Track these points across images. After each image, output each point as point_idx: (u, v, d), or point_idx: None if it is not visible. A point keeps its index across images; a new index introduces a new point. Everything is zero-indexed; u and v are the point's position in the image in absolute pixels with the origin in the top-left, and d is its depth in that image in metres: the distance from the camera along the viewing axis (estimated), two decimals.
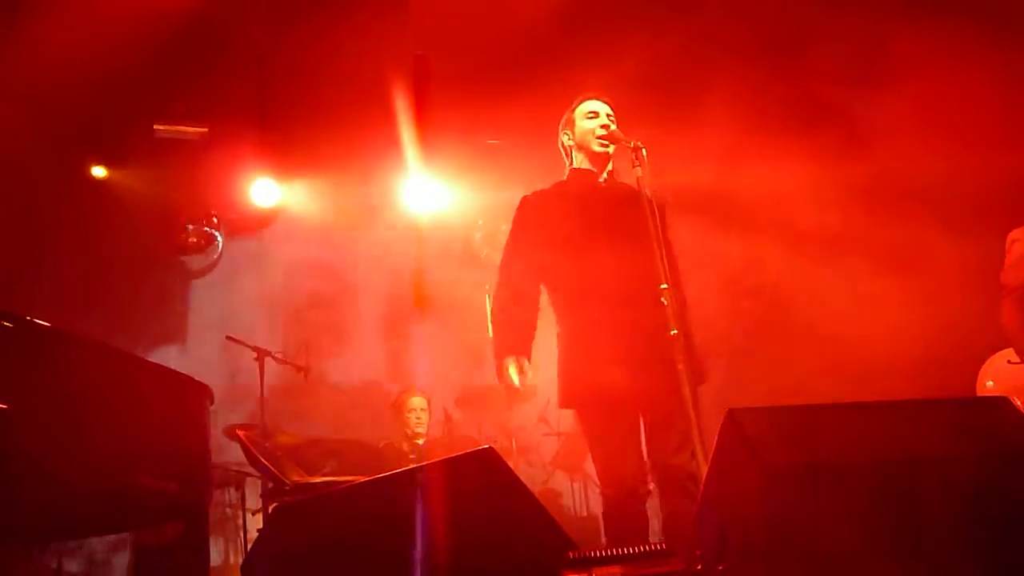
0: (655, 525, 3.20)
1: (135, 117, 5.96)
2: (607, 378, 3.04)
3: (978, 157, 4.56)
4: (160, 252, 6.76)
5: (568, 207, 3.30)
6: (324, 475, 4.42)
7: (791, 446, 1.82)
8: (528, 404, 5.43)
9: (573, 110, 3.44)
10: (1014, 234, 3.98)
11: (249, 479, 5.33)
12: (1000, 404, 2.02)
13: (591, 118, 3.36)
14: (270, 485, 4.47)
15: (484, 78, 5.43)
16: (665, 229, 3.08)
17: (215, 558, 5.70)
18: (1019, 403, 3.73)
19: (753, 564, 1.78)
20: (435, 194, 6.71)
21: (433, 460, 2.28)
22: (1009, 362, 4.08)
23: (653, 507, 3.16)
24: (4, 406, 2.18)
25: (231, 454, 5.30)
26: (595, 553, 2.10)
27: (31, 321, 2.34)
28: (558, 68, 4.86)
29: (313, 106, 5.84)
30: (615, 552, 2.11)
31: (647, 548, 2.14)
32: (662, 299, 2.85)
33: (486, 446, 2.29)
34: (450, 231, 6.98)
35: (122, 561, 4.90)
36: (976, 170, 4.55)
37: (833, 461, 1.81)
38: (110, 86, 5.25)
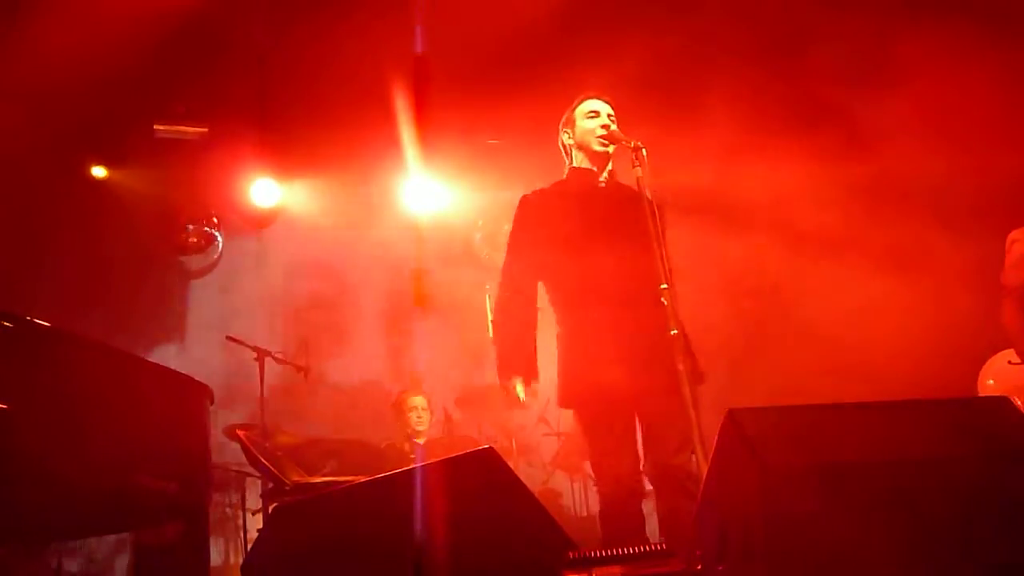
0: (651, 525, 3.21)
1: (135, 117, 5.96)
2: (606, 378, 3.04)
3: (978, 157, 4.56)
4: (160, 252, 6.76)
5: (568, 206, 3.30)
6: (324, 475, 4.42)
7: (791, 446, 1.82)
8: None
9: (573, 109, 3.44)
10: (1014, 234, 3.98)
11: (249, 479, 5.33)
12: (1000, 404, 2.02)
13: (592, 118, 3.36)
14: (270, 485, 4.47)
15: (484, 78, 5.43)
16: (664, 229, 3.08)
17: (215, 558, 5.70)
18: (1020, 403, 3.74)
19: (753, 564, 1.78)
20: (435, 194, 6.71)
21: (433, 460, 2.28)
22: (1010, 362, 4.08)
23: (649, 507, 3.17)
24: (4, 406, 2.18)
25: (231, 454, 5.30)
26: (595, 553, 2.10)
27: (31, 321, 2.34)
28: (558, 68, 4.86)
29: (313, 106, 5.84)
30: (615, 552, 2.11)
31: (647, 548, 2.14)
32: (662, 299, 2.85)
33: (486, 446, 2.29)
34: (450, 231, 6.98)
35: (123, 561, 4.91)
36: (976, 170, 4.56)
37: (833, 461, 1.81)
38: (110, 86, 5.25)
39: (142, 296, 6.49)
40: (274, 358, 5.27)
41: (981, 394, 4.19)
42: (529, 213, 3.39)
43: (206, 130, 6.09)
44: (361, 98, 5.57)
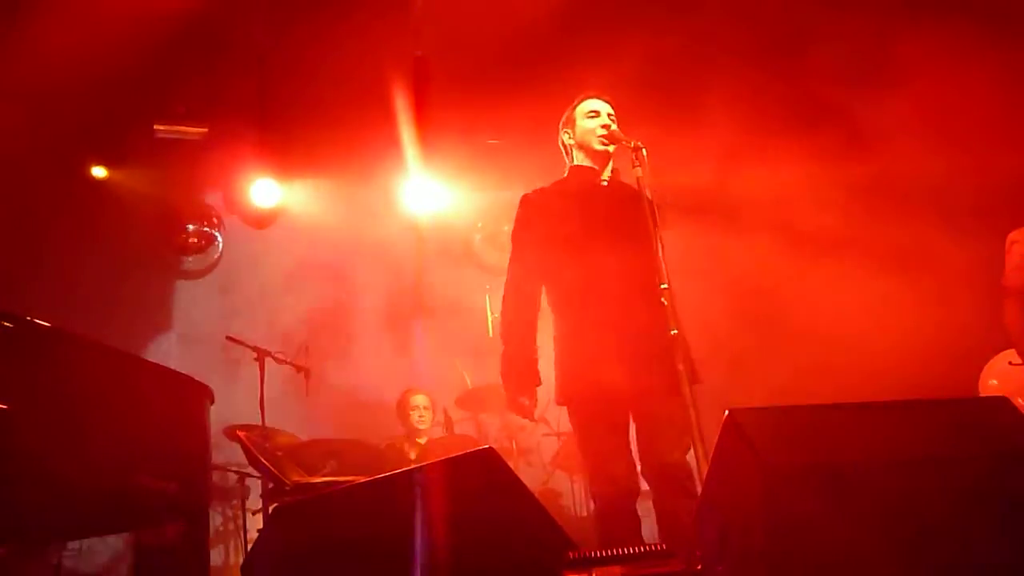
0: (649, 525, 3.20)
1: (135, 117, 5.96)
2: (603, 377, 3.04)
3: (979, 157, 4.56)
4: (160, 252, 6.76)
5: (568, 205, 3.31)
6: (324, 475, 4.42)
7: (792, 446, 1.82)
8: None
9: (574, 109, 3.44)
10: (1013, 235, 3.98)
11: (249, 479, 5.33)
12: (1000, 404, 2.02)
13: (592, 117, 3.37)
14: (270, 485, 4.47)
15: (484, 78, 5.43)
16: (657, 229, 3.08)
17: (215, 558, 5.70)
18: (1022, 403, 3.74)
19: (753, 565, 1.78)
20: (435, 194, 6.71)
21: (433, 460, 2.27)
22: (1011, 363, 4.08)
23: (647, 507, 3.17)
24: (4, 406, 2.18)
25: (231, 454, 5.30)
26: (595, 553, 2.10)
27: (31, 321, 2.34)
28: (558, 68, 4.86)
29: (313, 106, 5.84)
30: (615, 552, 2.11)
31: (647, 548, 2.14)
32: (662, 299, 2.85)
33: (486, 446, 2.29)
34: (450, 231, 6.98)
35: (123, 562, 4.90)
36: (977, 170, 4.55)
37: (834, 461, 1.81)
38: (110, 86, 5.25)
39: (142, 296, 6.49)
40: (274, 358, 5.27)
41: (983, 395, 4.19)
42: (530, 212, 3.39)
43: (206, 130, 6.09)
44: (361, 98, 5.56)
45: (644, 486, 3.14)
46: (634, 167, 3.03)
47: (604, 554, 2.09)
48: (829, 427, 1.90)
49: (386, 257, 6.86)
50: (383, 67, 5.33)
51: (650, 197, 3.01)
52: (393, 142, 5.84)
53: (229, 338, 5.35)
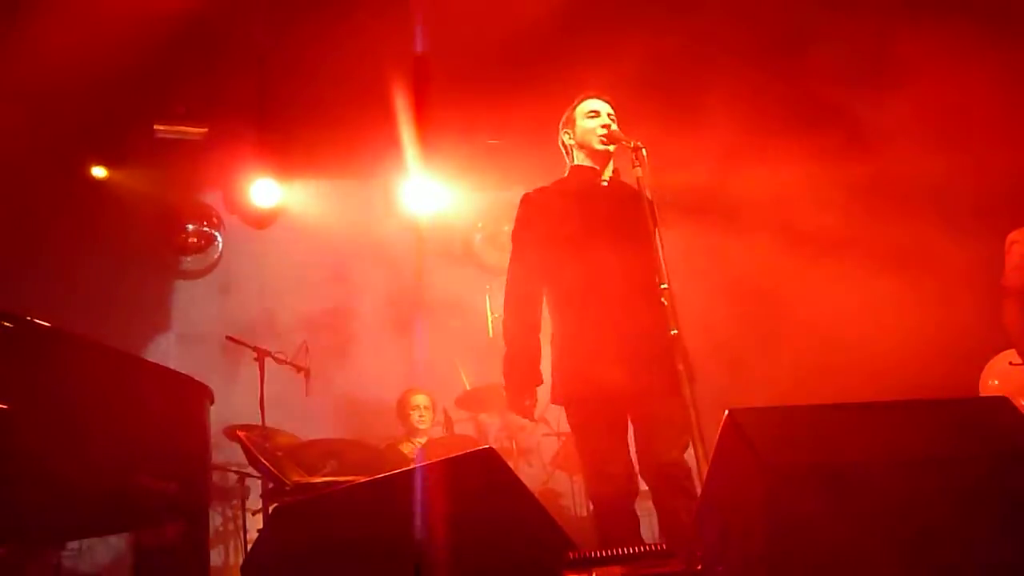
0: (647, 525, 3.21)
1: (135, 117, 5.96)
2: (601, 376, 3.04)
3: (979, 157, 4.56)
4: (160, 252, 6.76)
5: (568, 205, 3.31)
6: (324, 475, 4.42)
7: (792, 447, 1.82)
8: None
9: (574, 109, 3.45)
10: (1013, 235, 3.98)
11: (249, 479, 5.33)
12: (1000, 404, 2.02)
13: (592, 117, 3.37)
14: (270, 485, 4.46)
15: (484, 78, 5.43)
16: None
17: (215, 558, 5.70)
18: (1022, 403, 3.73)
19: (753, 565, 1.78)
20: (435, 194, 6.71)
21: (433, 460, 2.27)
22: (1011, 363, 4.08)
23: (643, 507, 3.17)
24: (4, 406, 2.18)
25: (231, 455, 5.30)
26: (595, 553, 2.10)
27: (31, 321, 2.34)
28: (558, 68, 4.86)
29: (313, 106, 5.84)
30: (615, 552, 2.10)
31: (647, 548, 2.14)
32: (662, 299, 2.85)
33: (486, 446, 2.29)
34: (450, 231, 6.98)
35: (123, 562, 4.90)
36: (977, 170, 4.55)
37: (834, 462, 1.81)
38: (110, 86, 5.25)
39: (142, 296, 6.49)
40: (274, 358, 5.26)
41: (983, 395, 4.19)
42: (531, 211, 3.40)
43: (206, 130, 6.09)
44: (361, 98, 5.56)
45: (643, 486, 3.14)
46: (634, 167, 3.03)
47: (604, 554, 2.09)
48: (829, 427, 1.90)
49: (386, 257, 6.86)
50: (383, 67, 5.33)
51: (650, 197, 3.00)
52: (393, 142, 5.84)
53: (229, 338, 5.35)
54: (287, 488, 4.15)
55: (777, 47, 5.21)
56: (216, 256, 6.88)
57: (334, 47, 5.11)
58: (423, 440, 5.48)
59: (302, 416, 5.70)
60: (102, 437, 2.41)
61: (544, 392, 3.31)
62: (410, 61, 5.29)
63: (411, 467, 2.45)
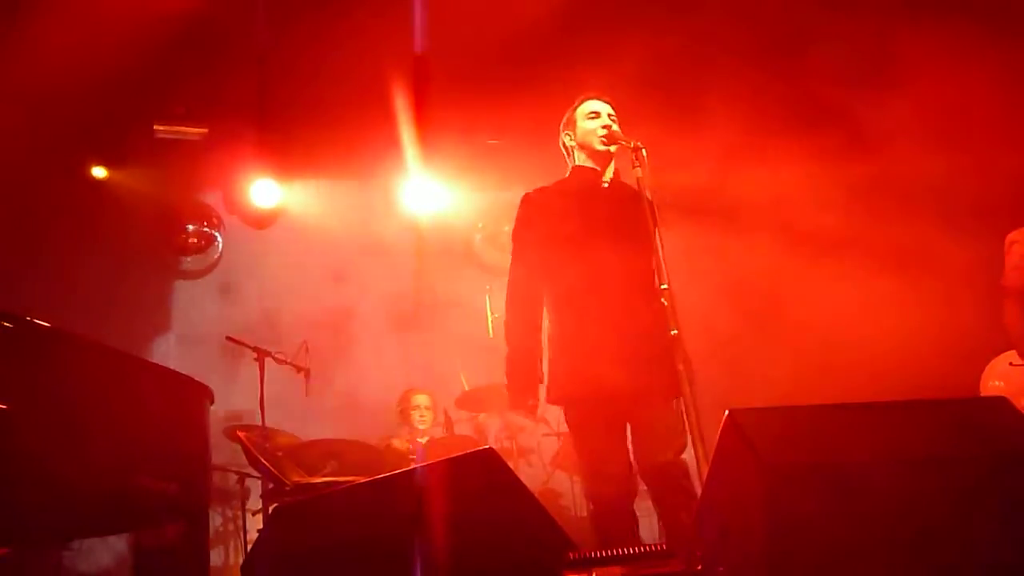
0: (646, 525, 3.20)
1: (135, 117, 5.96)
2: (599, 376, 3.04)
3: (979, 157, 4.56)
4: (160, 252, 6.76)
5: (568, 205, 3.31)
6: (324, 476, 4.42)
7: (792, 447, 1.82)
8: None
9: (574, 110, 3.45)
10: (1012, 236, 3.98)
11: (249, 480, 5.33)
12: (1000, 404, 2.02)
13: (592, 118, 3.37)
14: (270, 486, 4.47)
15: (484, 78, 5.43)
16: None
17: (215, 559, 5.70)
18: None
19: (753, 565, 1.78)
20: (435, 194, 6.71)
21: (433, 461, 2.27)
22: (1012, 364, 4.07)
23: (642, 507, 3.16)
24: (4, 406, 2.18)
25: (231, 455, 5.30)
26: (595, 553, 2.10)
27: (31, 321, 2.34)
28: (558, 68, 4.86)
29: (313, 106, 5.84)
30: (615, 552, 2.10)
31: (647, 548, 2.14)
32: (662, 299, 2.85)
33: (486, 446, 2.29)
34: (450, 231, 6.98)
35: (123, 562, 4.90)
36: (977, 170, 4.55)
37: (834, 462, 1.81)
38: (110, 86, 5.25)
39: (142, 296, 6.49)
40: (274, 358, 5.26)
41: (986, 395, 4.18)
42: (531, 211, 3.40)
43: (206, 131, 6.09)
44: (361, 98, 5.56)
45: (643, 486, 3.14)
46: (634, 167, 3.03)
47: (604, 554, 2.09)
48: (829, 427, 1.90)
49: (386, 257, 6.86)
50: (383, 67, 5.33)
51: (650, 198, 3.01)
52: (393, 142, 5.84)
53: (229, 338, 5.35)
54: (287, 488, 4.15)
55: (777, 47, 5.21)
56: (216, 256, 6.88)
57: (334, 47, 5.11)
58: (424, 440, 5.48)
59: (302, 416, 5.70)
60: (102, 437, 2.41)
61: (543, 391, 3.31)
62: (410, 61, 5.28)
63: (411, 467, 2.45)
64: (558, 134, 3.51)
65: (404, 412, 5.58)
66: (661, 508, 3.08)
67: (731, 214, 5.18)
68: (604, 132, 3.30)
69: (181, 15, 4.82)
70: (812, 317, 4.88)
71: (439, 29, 5.02)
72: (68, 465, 2.28)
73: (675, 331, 2.80)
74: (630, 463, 3.13)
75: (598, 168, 3.37)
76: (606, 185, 3.37)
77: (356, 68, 5.30)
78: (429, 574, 2.03)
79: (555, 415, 5.56)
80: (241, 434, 4.47)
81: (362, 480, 3.03)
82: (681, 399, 2.73)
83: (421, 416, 5.51)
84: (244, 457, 4.57)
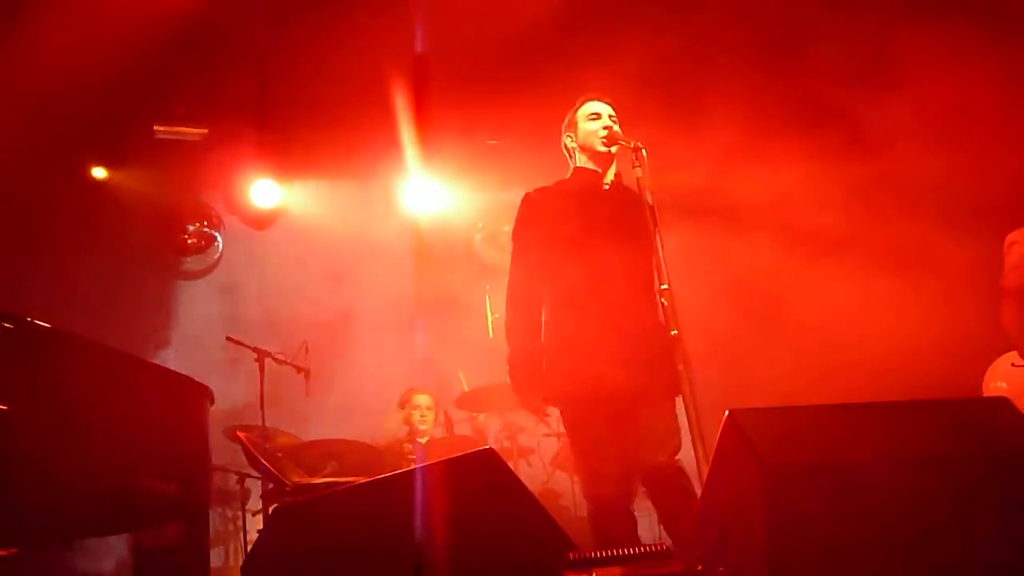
0: (644, 525, 3.20)
1: (135, 118, 5.96)
2: (598, 376, 3.04)
3: (979, 157, 4.56)
4: (160, 253, 6.76)
5: (568, 205, 3.31)
6: (325, 476, 4.42)
7: (792, 447, 1.82)
8: None
9: (575, 112, 3.45)
10: (1012, 236, 3.98)
11: (249, 480, 5.33)
12: (1000, 405, 2.02)
13: (593, 119, 3.37)
14: (270, 486, 4.46)
15: (484, 78, 5.43)
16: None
17: (215, 559, 5.70)
18: None
19: (754, 565, 1.78)
20: (435, 194, 6.71)
21: (433, 461, 2.27)
22: (1013, 365, 4.07)
23: (642, 507, 3.16)
24: (4, 407, 2.18)
25: (231, 455, 5.29)
26: (595, 554, 2.10)
27: (31, 322, 2.34)
28: (558, 68, 4.86)
29: (313, 106, 5.84)
30: (615, 553, 2.10)
31: (647, 549, 2.14)
32: (662, 300, 2.85)
33: (486, 447, 2.29)
34: (450, 231, 6.98)
35: (123, 563, 4.90)
36: (978, 170, 4.55)
37: (834, 462, 1.81)
38: (110, 87, 5.25)
39: (142, 297, 6.49)
40: (274, 359, 5.26)
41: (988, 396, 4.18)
42: (532, 211, 3.40)
43: (206, 131, 6.09)
44: (361, 98, 5.56)
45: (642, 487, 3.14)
46: (634, 167, 3.03)
47: (604, 555, 2.09)
48: (830, 427, 1.90)
49: (386, 257, 6.86)
50: (383, 67, 5.33)
51: (650, 200, 3.00)
52: (393, 142, 5.84)
53: (229, 338, 5.35)
54: (287, 489, 4.15)
55: (777, 47, 5.21)
56: (216, 256, 6.88)
57: (334, 47, 5.10)
58: (424, 440, 5.48)
59: (302, 416, 5.71)
60: (102, 437, 2.41)
61: None
62: (410, 61, 5.28)
63: (411, 468, 2.45)
64: (558, 134, 3.51)
65: (405, 412, 5.58)
66: (661, 509, 3.08)
67: (731, 214, 5.18)
68: (605, 133, 3.30)
69: (181, 15, 4.83)
70: (812, 317, 4.87)
71: (439, 29, 5.02)
72: (68, 465, 2.28)
73: (675, 331, 2.80)
74: (629, 463, 3.13)
75: (599, 170, 3.37)
76: (607, 186, 3.37)
77: (356, 68, 5.30)
78: (429, 574, 2.03)
79: (555, 415, 5.56)
80: (241, 434, 4.47)
81: (362, 481, 3.03)
82: (680, 399, 2.73)
83: (422, 416, 5.50)
84: (244, 457, 4.57)
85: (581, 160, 3.42)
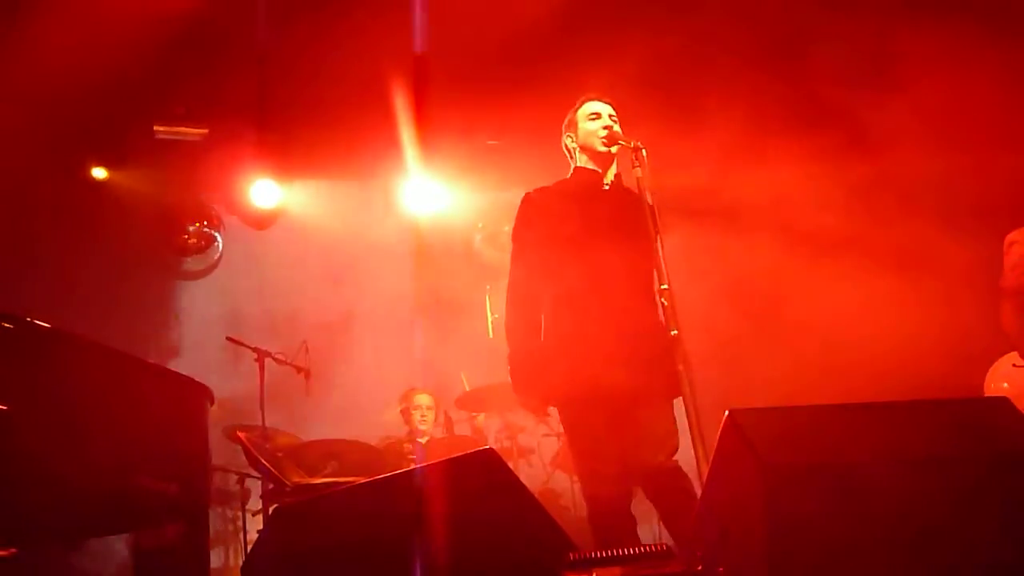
0: (644, 525, 3.20)
1: (135, 118, 5.96)
2: (596, 376, 3.04)
3: (980, 157, 4.56)
4: (160, 253, 6.76)
5: (568, 206, 3.31)
6: (325, 476, 4.42)
7: (792, 447, 1.82)
8: None
9: (575, 112, 3.45)
10: (1012, 236, 3.98)
11: (249, 480, 5.33)
12: (1000, 405, 2.02)
13: (593, 119, 3.37)
14: (271, 486, 4.47)
15: (484, 78, 5.43)
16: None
17: (215, 560, 5.70)
18: None
19: (754, 566, 1.78)
20: (435, 194, 6.71)
21: (433, 461, 2.27)
22: (1014, 365, 4.07)
23: (641, 508, 3.16)
24: (4, 407, 2.18)
25: (231, 456, 5.30)
26: (595, 554, 2.10)
27: (31, 322, 2.34)
28: (558, 68, 4.86)
29: (313, 106, 5.84)
30: (615, 553, 2.10)
31: (647, 549, 2.14)
32: (661, 300, 2.85)
33: (486, 447, 2.29)
34: (450, 231, 6.98)
35: (123, 563, 4.89)
36: (978, 170, 4.55)
37: (834, 462, 1.81)
38: (110, 87, 5.25)
39: (142, 297, 6.49)
40: (274, 359, 5.26)
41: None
42: (532, 211, 3.40)
43: (206, 131, 6.09)
44: (361, 98, 5.56)
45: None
46: (634, 167, 3.04)
47: (604, 555, 2.09)
48: (830, 428, 1.90)
49: (386, 257, 6.86)
50: (383, 67, 5.33)
51: (651, 200, 3.01)
52: (393, 142, 5.84)
53: (229, 338, 5.36)
54: (287, 489, 4.15)
55: (777, 47, 5.21)
56: (216, 257, 6.89)
57: (334, 47, 5.10)
58: (424, 440, 5.48)
59: (302, 416, 5.71)
60: (102, 438, 2.41)
61: None
62: (410, 61, 5.28)
63: (411, 468, 2.45)
64: (558, 134, 3.51)
65: (406, 412, 5.58)
66: (661, 509, 3.08)
67: (731, 214, 5.18)
68: (605, 133, 3.30)
69: (181, 15, 4.82)
70: (812, 317, 4.87)
71: (439, 29, 5.01)
72: (68, 465, 2.28)
73: (675, 331, 2.80)
74: (627, 464, 3.13)
75: (599, 170, 3.38)
76: (607, 187, 3.37)
77: (356, 68, 5.30)
78: (429, 574, 2.03)
79: (555, 415, 5.56)
80: (241, 434, 4.47)
81: (362, 481, 3.03)
82: (680, 400, 2.73)
83: (423, 416, 5.50)
84: (244, 457, 4.57)
85: (581, 160, 3.42)
